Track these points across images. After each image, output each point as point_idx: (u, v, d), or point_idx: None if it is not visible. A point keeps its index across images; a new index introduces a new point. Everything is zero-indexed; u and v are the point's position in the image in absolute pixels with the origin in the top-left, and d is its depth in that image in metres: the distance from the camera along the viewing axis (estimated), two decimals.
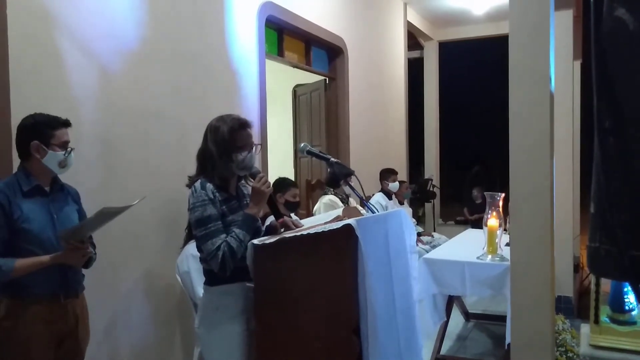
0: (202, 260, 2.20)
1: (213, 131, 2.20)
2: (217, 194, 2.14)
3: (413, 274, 2.45)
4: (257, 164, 2.37)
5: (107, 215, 2.04)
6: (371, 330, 1.96)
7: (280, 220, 2.29)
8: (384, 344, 2.08)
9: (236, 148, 2.17)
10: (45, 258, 1.99)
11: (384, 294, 2.16)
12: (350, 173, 3.31)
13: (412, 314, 2.40)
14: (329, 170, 4.47)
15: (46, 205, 2.07)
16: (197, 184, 2.16)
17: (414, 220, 6.42)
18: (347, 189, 4.45)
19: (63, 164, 2.09)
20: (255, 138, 2.31)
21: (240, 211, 2.21)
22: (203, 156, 2.22)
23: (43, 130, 2.05)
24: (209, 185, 2.14)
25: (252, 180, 2.22)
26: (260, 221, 2.30)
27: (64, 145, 2.08)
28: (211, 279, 2.20)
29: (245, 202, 2.27)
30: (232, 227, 2.14)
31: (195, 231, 2.13)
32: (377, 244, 2.15)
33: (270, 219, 2.42)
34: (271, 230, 2.33)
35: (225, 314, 2.17)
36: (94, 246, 2.26)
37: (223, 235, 2.10)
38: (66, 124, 2.11)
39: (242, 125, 2.21)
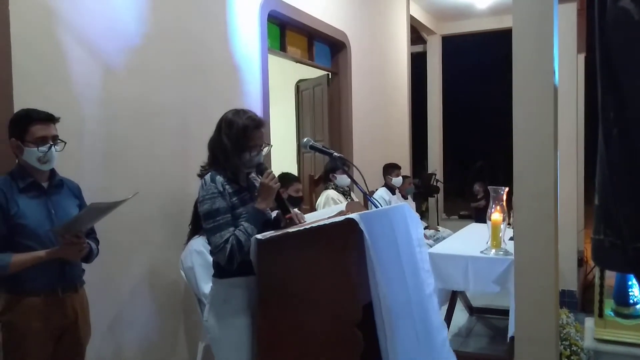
0: (212, 252, 2.23)
1: (227, 125, 2.20)
2: (227, 187, 2.16)
3: (425, 266, 2.44)
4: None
5: (97, 210, 2.03)
6: (387, 325, 1.95)
7: (288, 215, 2.30)
8: (402, 338, 2.07)
9: (247, 147, 2.19)
10: (41, 253, 1.99)
11: (396, 288, 2.14)
12: (348, 165, 3.30)
13: (427, 306, 2.38)
14: (328, 161, 4.49)
15: (44, 201, 2.07)
16: (207, 176, 2.17)
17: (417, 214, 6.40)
18: (342, 179, 4.44)
19: (43, 160, 2.03)
20: (264, 136, 2.31)
21: (252, 203, 2.22)
22: (216, 147, 2.22)
23: (18, 127, 2.02)
24: (219, 178, 2.16)
25: (260, 175, 2.23)
26: (269, 215, 2.31)
27: (40, 140, 2.02)
28: (220, 271, 2.22)
29: (256, 193, 2.28)
30: (240, 221, 2.15)
31: (204, 224, 2.16)
32: (384, 238, 2.14)
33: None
34: (277, 222, 2.35)
35: (233, 306, 2.18)
36: (97, 241, 2.26)
37: (231, 229, 2.12)
38: (46, 118, 2.05)
39: (257, 125, 2.22)
